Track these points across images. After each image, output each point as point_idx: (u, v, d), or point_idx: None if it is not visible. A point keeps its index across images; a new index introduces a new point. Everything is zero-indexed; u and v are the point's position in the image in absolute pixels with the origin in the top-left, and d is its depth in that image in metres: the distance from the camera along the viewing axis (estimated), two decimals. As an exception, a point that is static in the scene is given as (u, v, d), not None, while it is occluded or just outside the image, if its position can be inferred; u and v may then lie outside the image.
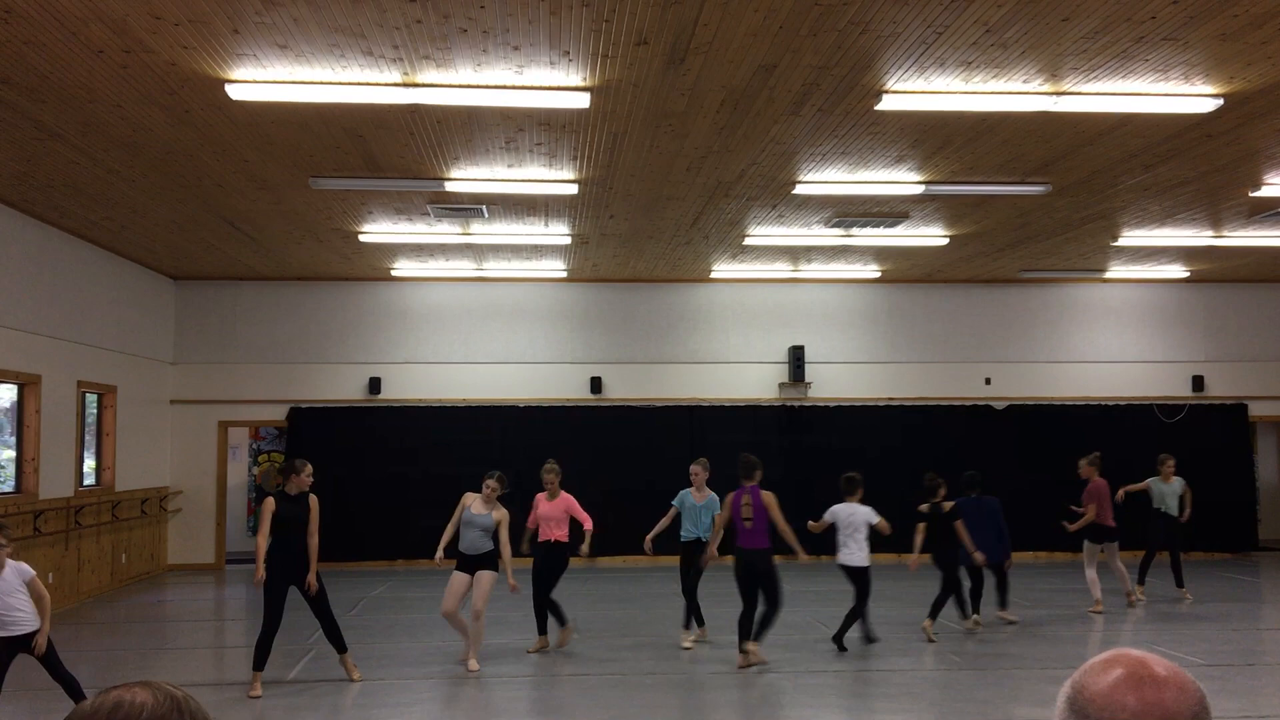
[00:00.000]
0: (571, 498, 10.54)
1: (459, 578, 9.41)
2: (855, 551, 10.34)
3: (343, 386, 16.93)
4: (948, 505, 11.02)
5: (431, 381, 16.95)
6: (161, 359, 16.42)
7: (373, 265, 15.72)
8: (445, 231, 13.22)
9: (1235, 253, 14.96)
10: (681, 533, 10.75)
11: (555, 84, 7.84)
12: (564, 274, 16.47)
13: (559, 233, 13.33)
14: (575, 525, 10.49)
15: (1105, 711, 1.39)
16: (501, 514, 9.56)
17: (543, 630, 10.27)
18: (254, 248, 14.28)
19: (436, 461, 16.56)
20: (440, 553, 9.64)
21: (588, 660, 9.77)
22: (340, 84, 7.78)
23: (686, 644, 10.23)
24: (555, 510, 10.37)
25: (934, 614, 10.75)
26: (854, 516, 10.49)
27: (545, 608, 10.28)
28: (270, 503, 8.66)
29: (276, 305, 16.94)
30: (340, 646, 8.91)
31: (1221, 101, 8.23)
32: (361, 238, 13.46)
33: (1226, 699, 8.20)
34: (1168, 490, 13.08)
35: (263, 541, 8.66)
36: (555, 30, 6.88)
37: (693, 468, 10.91)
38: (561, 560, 10.37)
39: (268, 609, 8.55)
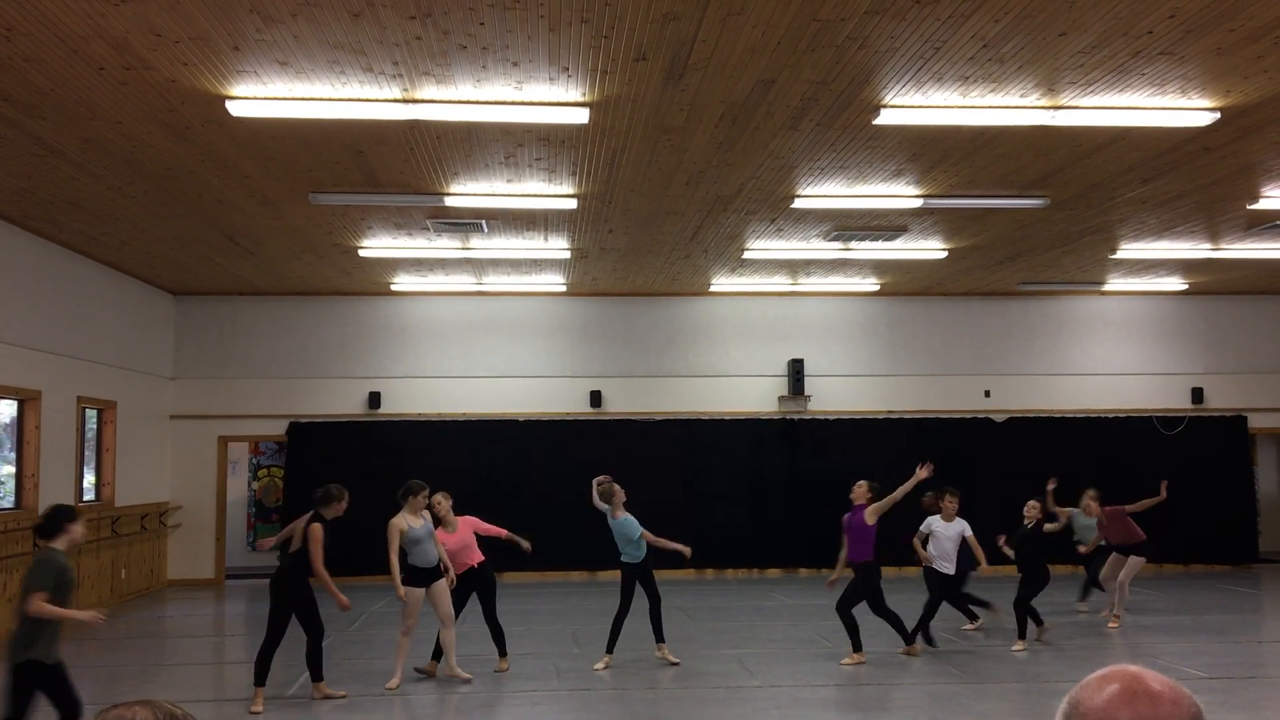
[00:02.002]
0: (473, 518, 10.05)
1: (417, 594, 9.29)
2: (946, 563, 10.66)
3: (342, 401, 16.94)
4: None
5: (431, 396, 16.96)
6: (161, 374, 16.43)
7: (372, 280, 15.75)
8: (445, 246, 13.25)
9: (1233, 265, 14.98)
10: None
11: (555, 99, 7.87)
12: (563, 288, 16.50)
13: (558, 247, 13.35)
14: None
15: None
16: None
17: (502, 653, 9.94)
18: (254, 263, 14.31)
19: (436, 476, 16.50)
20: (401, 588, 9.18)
21: (582, 675, 9.75)
22: (340, 100, 7.81)
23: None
24: (459, 540, 9.78)
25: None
26: (948, 529, 10.75)
27: (496, 631, 9.94)
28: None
29: (276, 320, 16.95)
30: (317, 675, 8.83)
31: (1218, 115, 8.26)
32: (361, 253, 13.49)
33: (1228, 712, 8.19)
34: (1088, 524, 12.77)
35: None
36: (554, 46, 6.91)
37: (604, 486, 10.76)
38: (488, 582, 9.83)
39: (271, 624, 8.55)
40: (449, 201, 10.70)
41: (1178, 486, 17.09)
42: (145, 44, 6.85)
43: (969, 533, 10.96)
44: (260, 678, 8.49)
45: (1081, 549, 12.66)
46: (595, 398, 17.09)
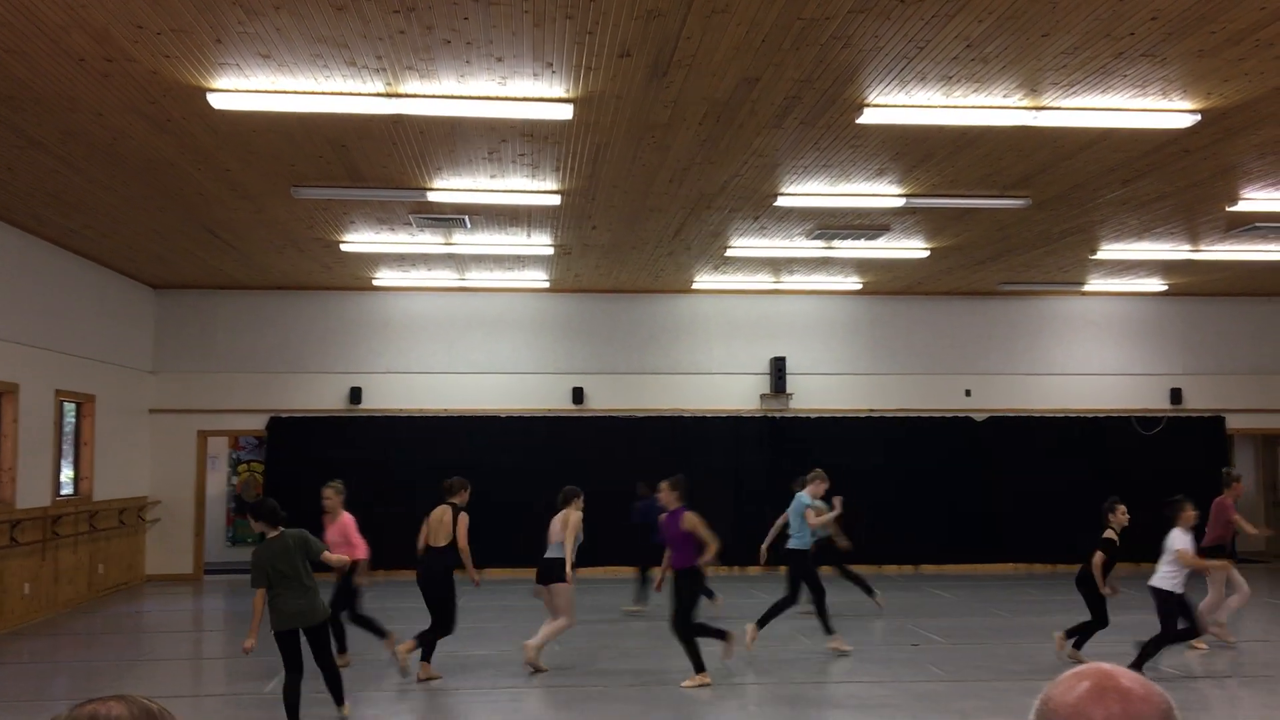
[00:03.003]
0: (350, 520, 9.97)
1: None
2: (1163, 576, 9.79)
3: (323, 396, 16.87)
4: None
5: (413, 392, 16.92)
6: (141, 368, 16.33)
7: (354, 275, 15.69)
8: (427, 241, 13.21)
9: (1213, 267, 15.08)
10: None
11: (538, 95, 7.85)
12: (546, 284, 16.48)
13: (541, 243, 13.33)
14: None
15: None
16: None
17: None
18: (235, 256, 14.24)
19: (417, 471, 16.51)
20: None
21: (566, 673, 9.74)
22: (323, 94, 7.77)
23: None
24: (333, 535, 9.84)
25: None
26: (1168, 541, 10.07)
27: (360, 623, 9.90)
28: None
29: (257, 314, 16.87)
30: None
31: (1199, 117, 8.31)
32: (343, 247, 13.44)
33: (1203, 711, 8.25)
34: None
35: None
36: (539, 42, 6.90)
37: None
38: (345, 582, 9.83)
39: (445, 610, 9.30)
40: (432, 197, 10.67)
41: (1156, 487, 17.19)
42: (126, 35, 6.80)
43: None
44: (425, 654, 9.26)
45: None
46: (578, 394, 17.08)
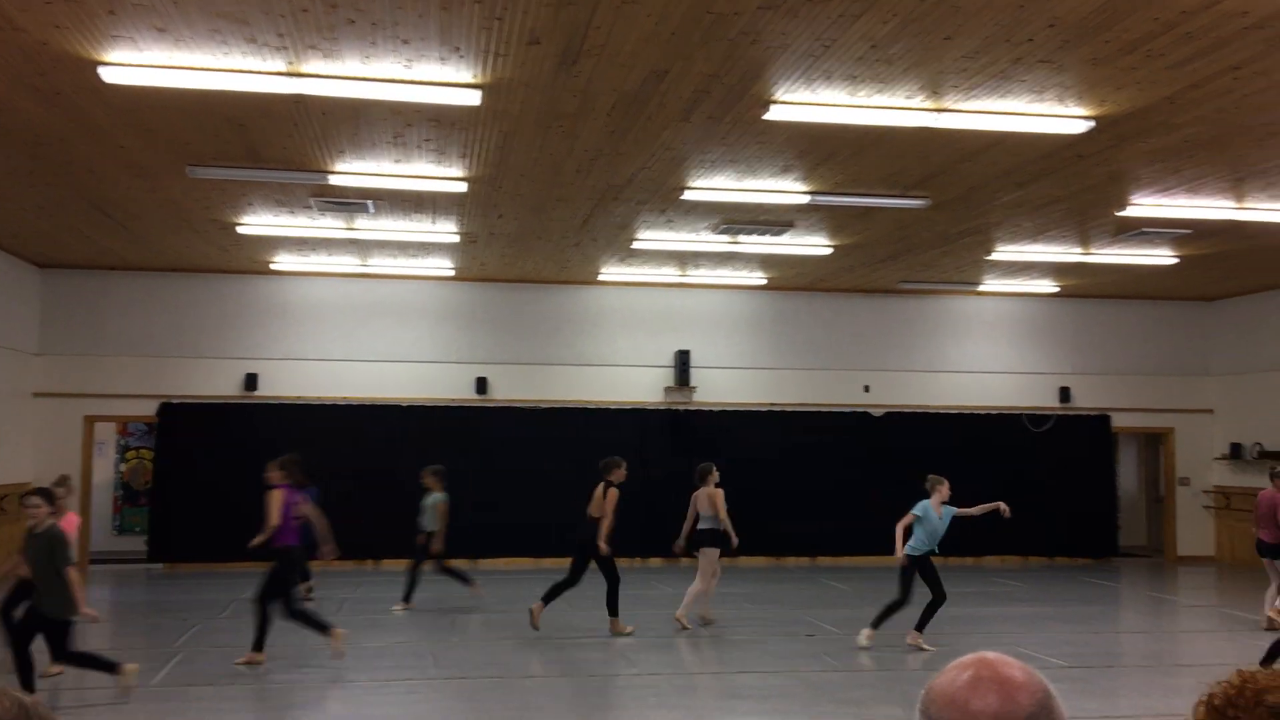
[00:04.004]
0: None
1: None
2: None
3: (217, 382, 16.44)
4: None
5: (311, 379, 16.58)
6: (24, 350, 15.71)
7: (251, 258, 15.31)
8: (329, 226, 12.96)
9: (1102, 269, 15.58)
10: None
11: (445, 80, 7.75)
12: (451, 272, 16.29)
13: (446, 230, 13.18)
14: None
15: (943, 711, 1.42)
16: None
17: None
18: (127, 236, 13.78)
19: (315, 461, 16.20)
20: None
21: (460, 664, 9.67)
22: (221, 71, 7.55)
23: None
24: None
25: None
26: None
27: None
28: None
29: (149, 297, 16.36)
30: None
31: (1093, 123, 8.56)
32: (240, 229, 13.10)
33: (1087, 699, 8.53)
34: (426, 503, 12.89)
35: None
36: (446, 26, 6.80)
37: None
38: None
39: (573, 571, 10.85)
40: (334, 180, 10.46)
41: (1045, 482, 17.72)
42: (14, 3, 6.51)
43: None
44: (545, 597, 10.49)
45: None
46: (481, 384, 16.94)
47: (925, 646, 10.36)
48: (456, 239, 13.61)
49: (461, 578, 12.70)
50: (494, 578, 15.38)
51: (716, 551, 11.27)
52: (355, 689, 8.66)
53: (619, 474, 10.88)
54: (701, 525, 11.39)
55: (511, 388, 17.07)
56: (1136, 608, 14.10)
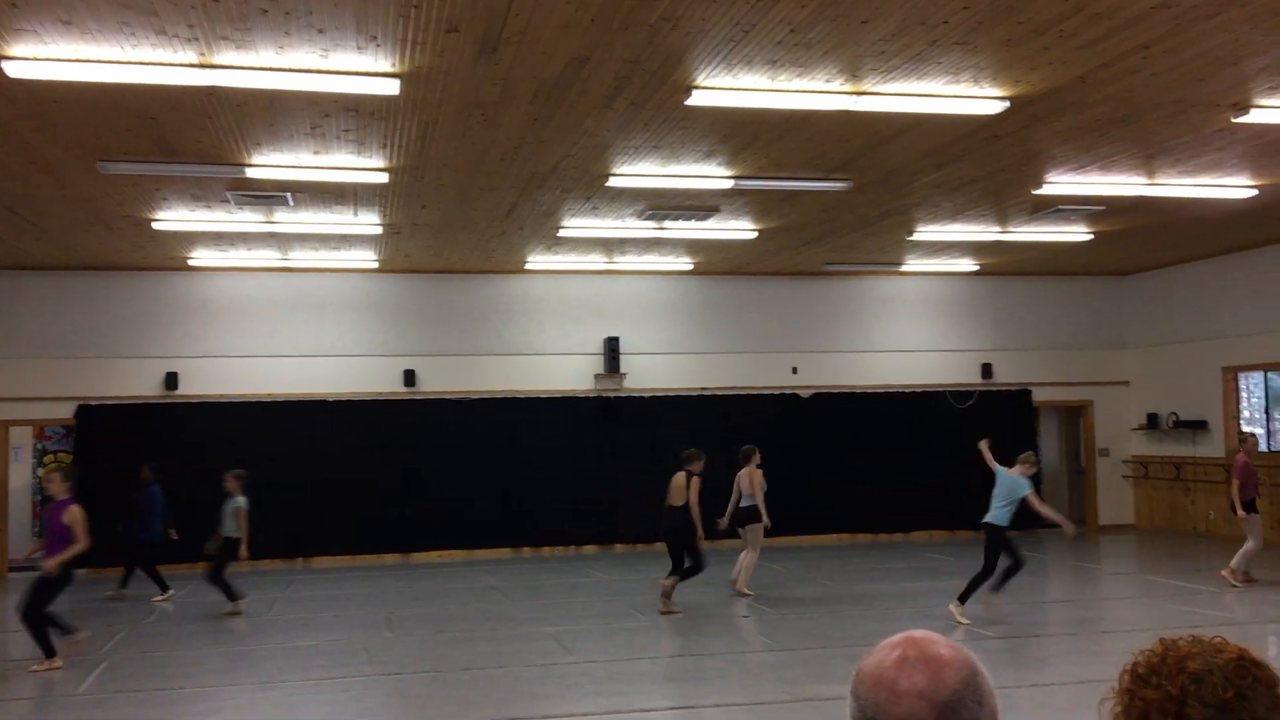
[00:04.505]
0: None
1: None
2: None
3: (137, 382, 16.06)
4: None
5: (234, 376, 16.27)
6: (-69, 354, 15.19)
7: (168, 254, 14.97)
8: (247, 220, 12.71)
9: (1019, 247, 15.89)
10: None
11: (363, 69, 7.63)
12: (375, 264, 16.09)
13: (369, 222, 13.01)
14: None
15: (871, 691, 1.44)
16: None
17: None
18: (37, 235, 13.38)
19: (241, 460, 15.92)
20: None
21: (395, 659, 9.59)
22: (130, 64, 7.35)
23: None
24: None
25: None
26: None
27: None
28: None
29: (63, 296, 15.91)
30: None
31: (1008, 104, 8.71)
32: (155, 225, 12.79)
33: (1015, 668, 8.72)
34: (228, 508, 12.40)
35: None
36: (362, 14, 6.70)
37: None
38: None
39: (675, 559, 11.38)
40: (251, 173, 10.25)
41: (969, 457, 18.07)
42: (-95, -6, 6.27)
43: None
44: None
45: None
46: (409, 377, 16.78)
47: (961, 619, 10.59)
48: (379, 230, 13.45)
49: (230, 593, 11.94)
50: (426, 571, 15.27)
51: (760, 527, 12.39)
52: (287, 690, 8.54)
53: (699, 464, 11.45)
54: (744, 504, 12.49)
55: (440, 379, 16.93)
56: (1061, 577, 14.44)
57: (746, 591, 12.42)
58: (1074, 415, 19.85)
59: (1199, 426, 17.57)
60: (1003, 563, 10.83)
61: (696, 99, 8.34)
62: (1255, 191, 12.07)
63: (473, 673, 8.93)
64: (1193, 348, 17.76)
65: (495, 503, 16.79)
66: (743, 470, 12.54)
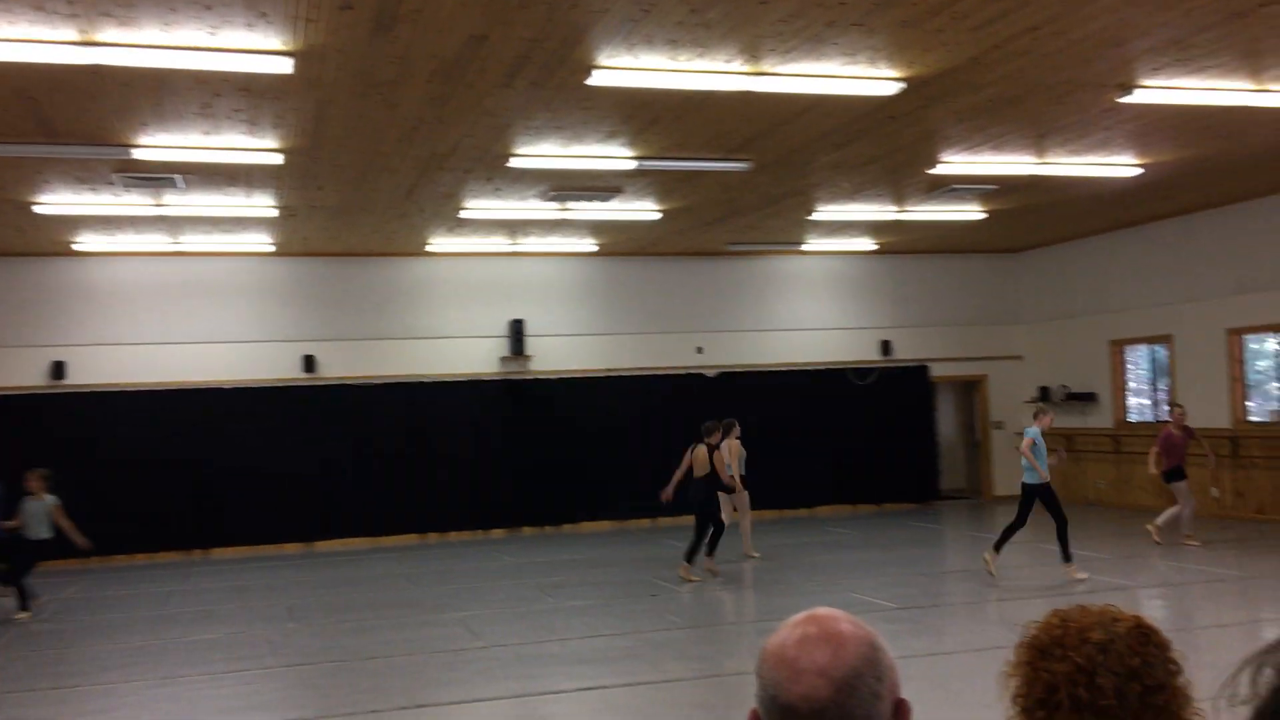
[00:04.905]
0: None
1: None
2: None
3: (20, 372, 15.44)
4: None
5: (125, 365, 15.74)
6: None
7: (51, 239, 14.40)
8: (135, 203, 12.29)
9: (916, 227, 16.20)
10: None
11: (253, 47, 7.42)
12: (271, 248, 15.70)
13: (263, 204, 12.68)
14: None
15: (773, 670, 1.45)
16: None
17: None
18: (-92, 220, 12.77)
19: (134, 450, 15.48)
20: None
21: (299, 650, 9.43)
22: (6, 40, 7.03)
23: None
24: None
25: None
26: None
27: None
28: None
29: (-62, 284, 15.22)
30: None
31: (903, 85, 8.84)
32: (37, 209, 12.30)
33: (915, 638, 8.93)
34: (38, 509, 11.55)
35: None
36: (252, -10, 6.50)
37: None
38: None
39: (715, 518, 12.13)
40: (138, 154, 9.91)
41: (871, 433, 18.38)
42: None
43: None
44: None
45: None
46: (308, 362, 16.44)
47: (993, 570, 11.18)
48: (275, 213, 13.13)
49: (24, 598, 11.23)
50: (330, 560, 15.04)
51: (745, 495, 13.52)
52: (188, 685, 8.33)
53: (718, 436, 12.32)
54: (739, 472, 13.34)
55: (341, 365, 16.62)
56: (958, 547, 14.82)
57: (754, 554, 13.38)
58: (970, 389, 20.35)
59: (1088, 399, 18.16)
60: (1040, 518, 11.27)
61: (597, 79, 8.30)
62: (1140, 170, 12.48)
63: (379, 661, 8.82)
64: (1082, 322, 18.33)
65: (400, 489, 16.59)
66: (721, 442, 12.65)
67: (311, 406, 16.33)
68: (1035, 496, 11.25)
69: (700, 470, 12.14)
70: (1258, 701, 0.92)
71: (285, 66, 7.68)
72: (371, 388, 16.66)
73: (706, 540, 12.05)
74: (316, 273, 16.57)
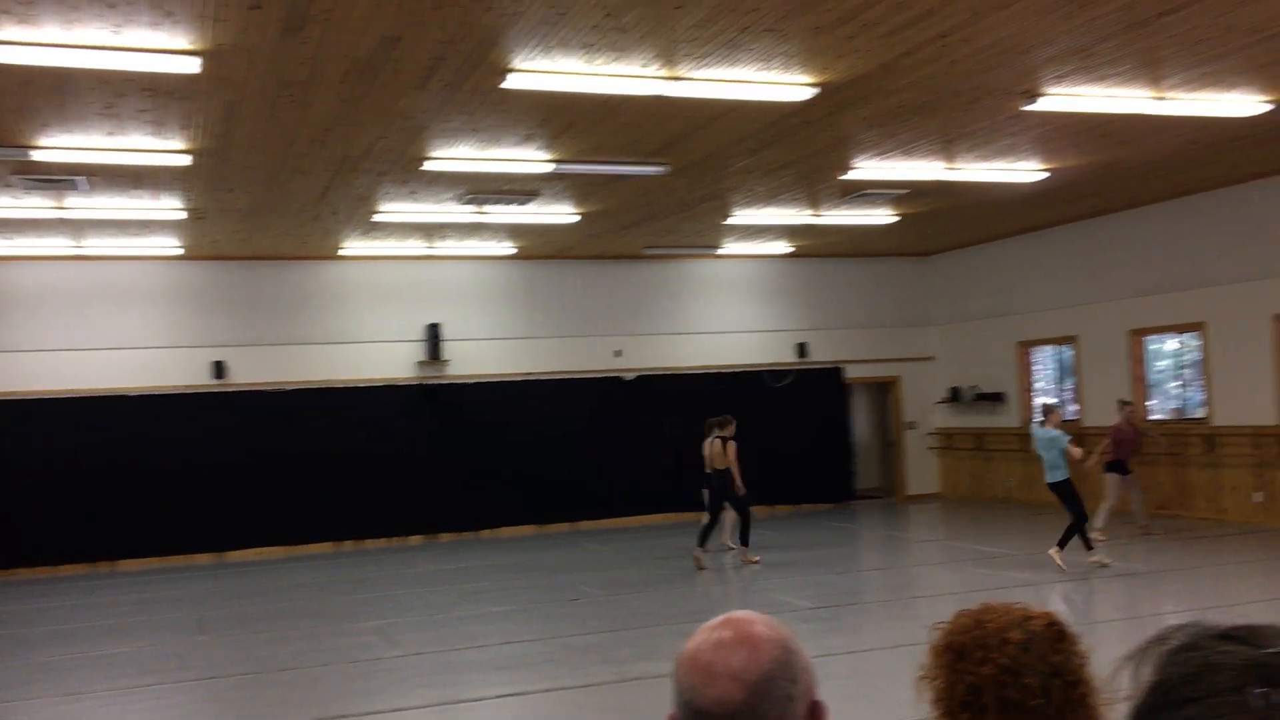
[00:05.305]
0: None
1: None
2: None
3: (-86, 381, 14.86)
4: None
5: (26, 373, 15.20)
6: None
7: (-53, 243, 13.89)
8: (35, 206, 11.91)
9: (830, 230, 16.42)
10: None
11: (159, 46, 7.24)
12: (180, 251, 15.33)
13: (171, 207, 12.38)
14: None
15: (688, 675, 1.46)
16: None
17: None
18: None
19: (37, 460, 14.98)
20: None
21: (210, 664, 9.22)
22: (-106, 35, 6.77)
23: None
24: None
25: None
26: None
27: None
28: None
29: None
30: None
31: (817, 90, 8.96)
32: (-69, 212, 11.86)
33: (833, 636, 9.04)
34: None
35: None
36: (157, -13, 6.34)
37: None
38: None
39: (712, 511, 13.18)
40: (38, 156, 9.60)
41: (787, 434, 18.56)
42: None
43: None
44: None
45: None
46: (218, 369, 16.08)
47: (1062, 564, 11.27)
48: (183, 215, 12.82)
49: None
50: (241, 570, 14.73)
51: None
52: (95, 700, 8.10)
53: (731, 428, 13.14)
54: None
55: (252, 370, 16.29)
56: (874, 546, 15.05)
57: (731, 544, 13.96)
58: (883, 390, 20.69)
59: (997, 399, 18.58)
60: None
61: (513, 82, 8.26)
62: (1046, 175, 12.81)
63: (293, 672, 8.66)
64: (991, 324, 18.76)
65: (314, 496, 16.31)
66: (712, 438, 13.35)
67: (222, 413, 15.97)
68: (1071, 488, 11.50)
69: (718, 463, 13.09)
70: (1137, 697, 0.95)
71: (192, 66, 7.51)
72: (284, 394, 16.35)
73: (742, 524, 13.10)
74: (226, 277, 16.22)
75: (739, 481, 12.99)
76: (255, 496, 16.01)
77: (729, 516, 13.82)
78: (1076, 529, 11.33)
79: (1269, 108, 10.06)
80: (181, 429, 15.70)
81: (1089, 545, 11.42)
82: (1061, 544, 11.39)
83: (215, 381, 16.08)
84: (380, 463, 16.66)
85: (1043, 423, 11.80)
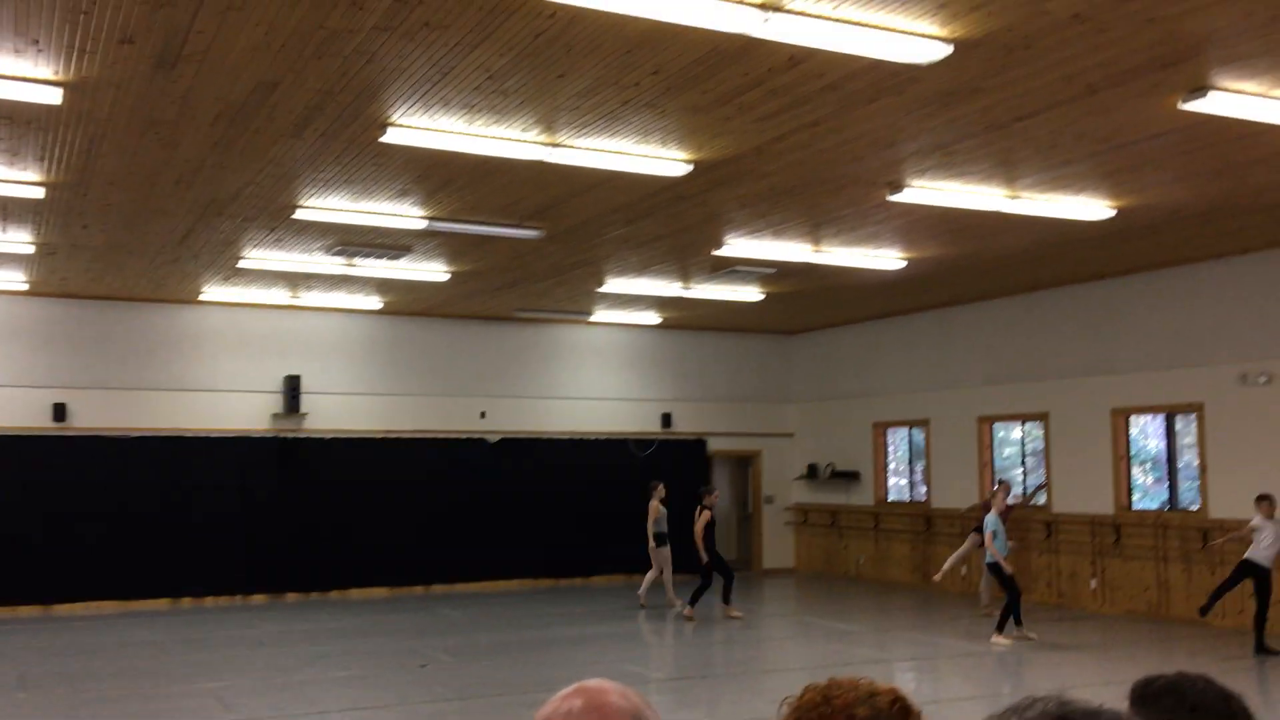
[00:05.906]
0: None
1: None
2: None
3: None
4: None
5: None
6: None
7: None
8: None
9: (699, 304, 16.68)
10: None
11: (20, 74, 6.97)
12: (24, 286, 14.63)
13: (19, 240, 11.84)
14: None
15: None
16: None
17: None
18: None
19: None
20: None
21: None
22: None
23: None
24: None
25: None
26: None
27: None
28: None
29: None
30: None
31: (691, 167, 9.16)
32: None
33: (686, 710, 9.02)
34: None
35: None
36: (22, 14, 6.12)
37: None
38: None
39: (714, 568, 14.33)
40: (-123, 177, 9.10)
41: (646, 502, 18.59)
42: None
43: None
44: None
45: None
46: (59, 411, 15.30)
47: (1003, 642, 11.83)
48: (31, 250, 12.27)
49: None
50: (70, 625, 13.92)
51: (666, 550, 15.03)
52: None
53: (712, 499, 14.85)
54: (658, 529, 14.99)
55: (96, 415, 15.56)
56: (725, 619, 15.11)
57: (644, 600, 15.13)
58: (745, 464, 20.96)
59: (852, 477, 19.02)
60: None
61: (391, 136, 8.21)
62: (904, 263, 13.31)
63: (179, 692, 8.20)
64: (849, 403, 19.25)
65: (153, 549, 15.59)
66: (651, 502, 15.05)
67: (59, 457, 15.18)
68: (1000, 572, 12.23)
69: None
70: None
71: (54, 97, 7.25)
72: (128, 440, 15.65)
73: (725, 584, 14.34)
74: (74, 315, 15.53)
75: (701, 550, 14.20)
76: (89, 547, 15.21)
77: (654, 576, 15.07)
78: (1011, 608, 12.02)
79: (1113, 214, 10.70)
80: (14, 472, 14.86)
81: (1019, 622, 12.03)
82: (999, 628, 11.99)
83: (54, 424, 15.30)
84: (226, 516, 16.05)
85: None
